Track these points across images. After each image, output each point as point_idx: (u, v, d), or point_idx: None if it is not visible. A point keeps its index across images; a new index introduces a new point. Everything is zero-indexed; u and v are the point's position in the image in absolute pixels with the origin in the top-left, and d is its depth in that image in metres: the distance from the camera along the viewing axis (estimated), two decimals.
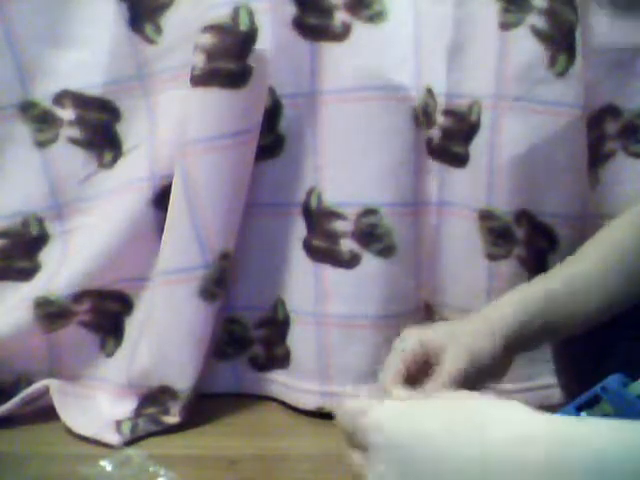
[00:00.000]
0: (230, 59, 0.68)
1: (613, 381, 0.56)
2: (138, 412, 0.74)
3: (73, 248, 0.76)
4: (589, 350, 0.66)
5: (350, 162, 0.73)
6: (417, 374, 0.52)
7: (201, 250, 0.71)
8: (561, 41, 0.70)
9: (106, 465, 0.63)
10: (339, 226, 0.73)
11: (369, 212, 0.73)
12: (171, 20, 0.74)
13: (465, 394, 0.44)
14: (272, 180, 0.75)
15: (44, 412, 0.74)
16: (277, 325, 0.78)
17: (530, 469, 0.37)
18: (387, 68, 0.71)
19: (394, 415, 0.42)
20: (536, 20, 0.70)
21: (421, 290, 0.77)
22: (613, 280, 0.57)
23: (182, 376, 0.73)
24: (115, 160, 0.77)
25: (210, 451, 0.69)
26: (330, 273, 0.74)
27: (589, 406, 0.56)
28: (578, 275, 0.58)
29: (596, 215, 0.76)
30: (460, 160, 0.75)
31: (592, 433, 0.38)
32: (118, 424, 0.72)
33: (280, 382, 0.78)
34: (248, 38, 0.68)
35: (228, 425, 0.74)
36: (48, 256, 0.77)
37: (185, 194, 0.70)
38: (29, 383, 0.75)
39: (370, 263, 0.73)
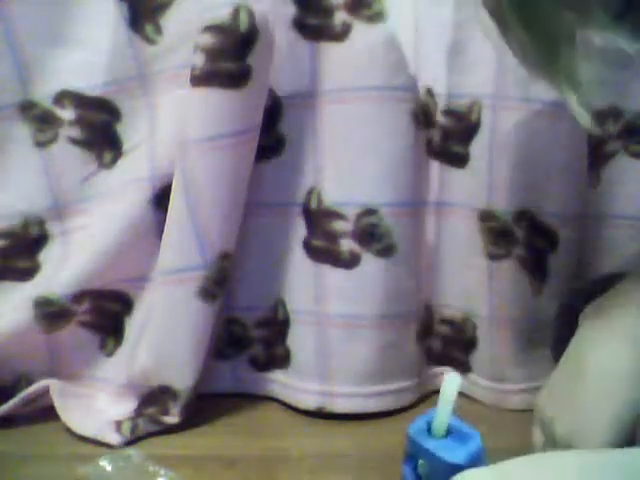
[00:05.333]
0: (230, 59, 0.68)
1: None
2: (138, 412, 0.74)
3: (73, 248, 0.76)
4: None
5: (350, 162, 0.73)
6: None
7: (201, 250, 0.71)
8: None
9: (106, 465, 0.63)
10: (339, 226, 0.73)
11: (369, 212, 0.73)
12: (171, 20, 0.74)
13: None
14: (272, 180, 0.76)
15: (44, 412, 0.74)
16: (277, 325, 0.78)
17: None
18: (387, 68, 0.71)
19: None
20: None
21: (421, 290, 0.77)
22: None
23: (182, 376, 0.73)
24: (115, 160, 0.77)
25: (210, 451, 0.69)
26: (330, 273, 0.74)
27: None
28: None
29: (597, 215, 0.76)
30: (460, 160, 0.75)
31: None
32: (118, 424, 0.72)
33: (280, 382, 0.78)
34: (248, 38, 0.68)
35: (228, 425, 0.74)
36: (48, 256, 0.77)
37: (185, 194, 0.70)
38: (29, 383, 0.75)
39: (370, 263, 0.73)
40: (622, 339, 0.56)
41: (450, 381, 0.55)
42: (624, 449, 0.50)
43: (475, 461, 0.54)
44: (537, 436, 0.60)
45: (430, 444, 0.55)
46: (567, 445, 0.55)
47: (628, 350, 0.55)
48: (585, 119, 0.52)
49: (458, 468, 0.49)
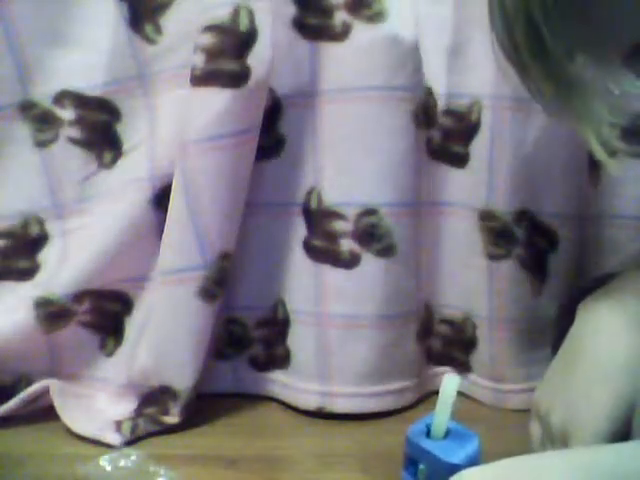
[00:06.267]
0: (230, 59, 0.68)
1: None
2: (138, 412, 0.74)
3: (73, 248, 0.76)
4: None
5: (350, 162, 0.73)
6: None
7: (201, 250, 0.71)
8: None
9: (106, 465, 0.63)
10: (339, 226, 0.73)
11: (369, 212, 0.73)
12: (171, 20, 0.74)
13: None
14: (272, 180, 0.76)
15: (44, 412, 0.74)
16: (277, 325, 0.78)
17: None
18: (387, 68, 0.71)
19: None
20: None
21: (421, 290, 0.77)
22: None
23: (182, 376, 0.73)
24: (115, 160, 0.77)
25: (210, 451, 0.69)
26: (330, 273, 0.74)
27: None
28: None
29: (597, 215, 0.76)
30: (460, 160, 0.75)
31: None
32: (118, 424, 0.72)
33: (280, 382, 0.78)
34: (248, 38, 0.68)
35: (228, 425, 0.74)
36: (48, 256, 0.77)
37: (185, 194, 0.70)
38: (29, 383, 0.75)
39: (370, 263, 0.73)
40: (619, 329, 0.56)
41: (449, 382, 0.56)
42: (622, 445, 0.51)
43: (473, 462, 0.54)
44: (535, 429, 0.60)
45: (429, 445, 0.56)
46: (562, 435, 0.56)
47: (625, 340, 0.55)
48: (605, 159, 0.52)
49: (457, 468, 0.50)
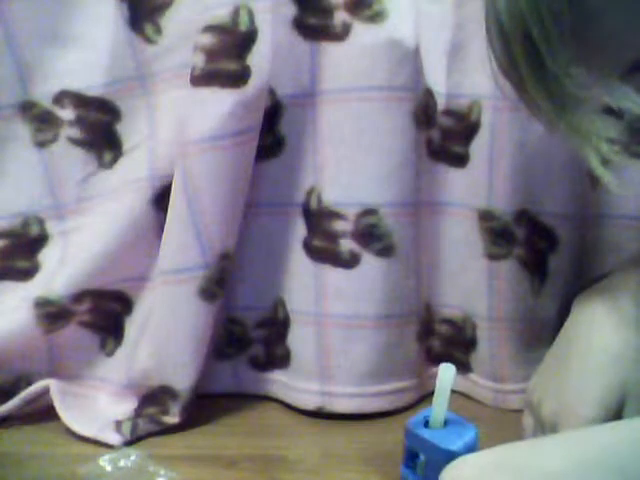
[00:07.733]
0: (230, 59, 0.68)
1: None
2: (138, 412, 0.74)
3: (73, 248, 0.76)
4: None
5: (350, 162, 0.73)
6: None
7: (201, 250, 0.71)
8: None
9: (106, 465, 0.63)
10: (339, 226, 0.74)
11: (369, 212, 0.73)
12: (171, 20, 0.74)
13: None
14: (272, 180, 0.76)
15: (44, 412, 0.74)
16: (277, 325, 0.78)
17: None
18: (387, 68, 0.71)
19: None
20: None
21: (421, 290, 0.77)
22: None
23: (182, 376, 0.73)
24: (115, 160, 0.77)
25: (210, 451, 0.69)
26: (330, 273, 0.74)
27: None
28: None
29: (596, 215, 0.76)
30: (460, 160, 0.75)
31: None
32: (118, 424, 0.72)
33: (280, 382, 0.78)
34: (248, 38, 0.68)
35: (228, 425, 0.74)
36: (48, 256, 0.77)
37: (185, 194, 0.70)
38: (29, 383, 0.75)
39: (370, 263, 0.73)
40: (612, 324, 0.57)
41: (445, 371, 0.56)
42: (617, 423, 0.51)
43: (472, 450, 0.55)
44: (527, 419, 0.61)
45: (428, 434, 0.57)
46: (552, 425, 0.56)
47: (617, 335, 0.56)
48: (603, 174, 0.53)
49: (455, 456, 0.50)
